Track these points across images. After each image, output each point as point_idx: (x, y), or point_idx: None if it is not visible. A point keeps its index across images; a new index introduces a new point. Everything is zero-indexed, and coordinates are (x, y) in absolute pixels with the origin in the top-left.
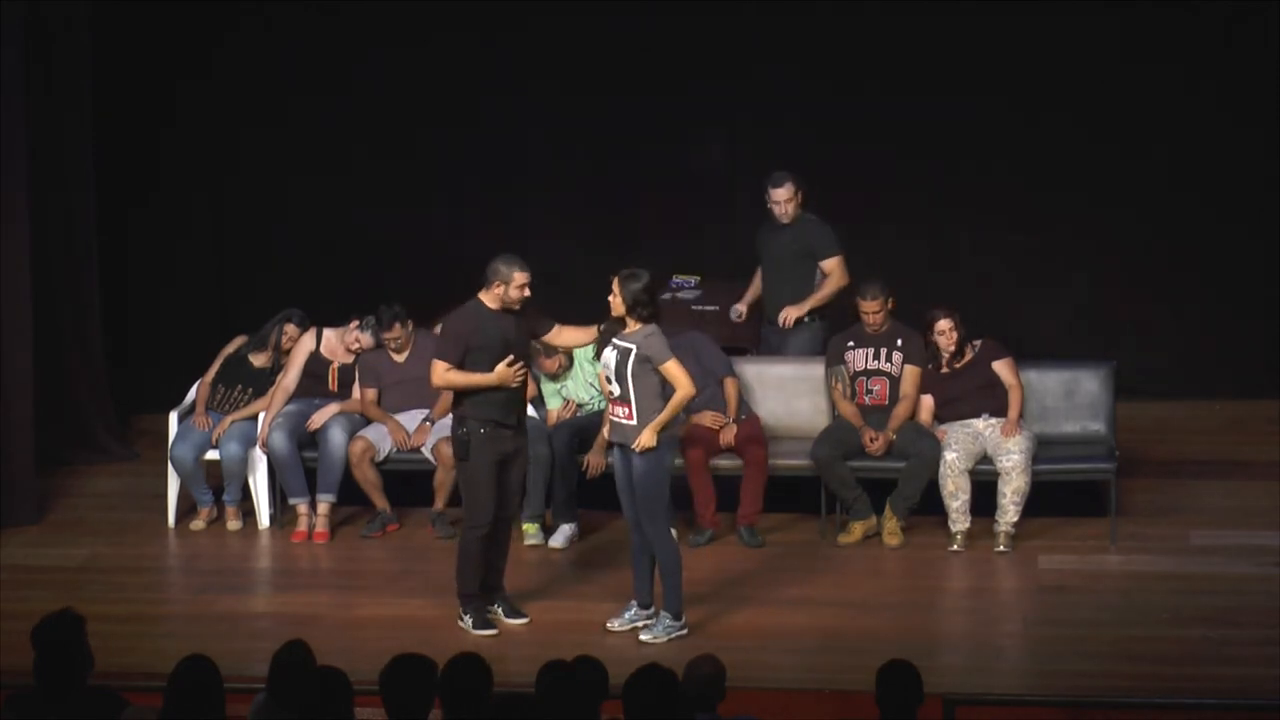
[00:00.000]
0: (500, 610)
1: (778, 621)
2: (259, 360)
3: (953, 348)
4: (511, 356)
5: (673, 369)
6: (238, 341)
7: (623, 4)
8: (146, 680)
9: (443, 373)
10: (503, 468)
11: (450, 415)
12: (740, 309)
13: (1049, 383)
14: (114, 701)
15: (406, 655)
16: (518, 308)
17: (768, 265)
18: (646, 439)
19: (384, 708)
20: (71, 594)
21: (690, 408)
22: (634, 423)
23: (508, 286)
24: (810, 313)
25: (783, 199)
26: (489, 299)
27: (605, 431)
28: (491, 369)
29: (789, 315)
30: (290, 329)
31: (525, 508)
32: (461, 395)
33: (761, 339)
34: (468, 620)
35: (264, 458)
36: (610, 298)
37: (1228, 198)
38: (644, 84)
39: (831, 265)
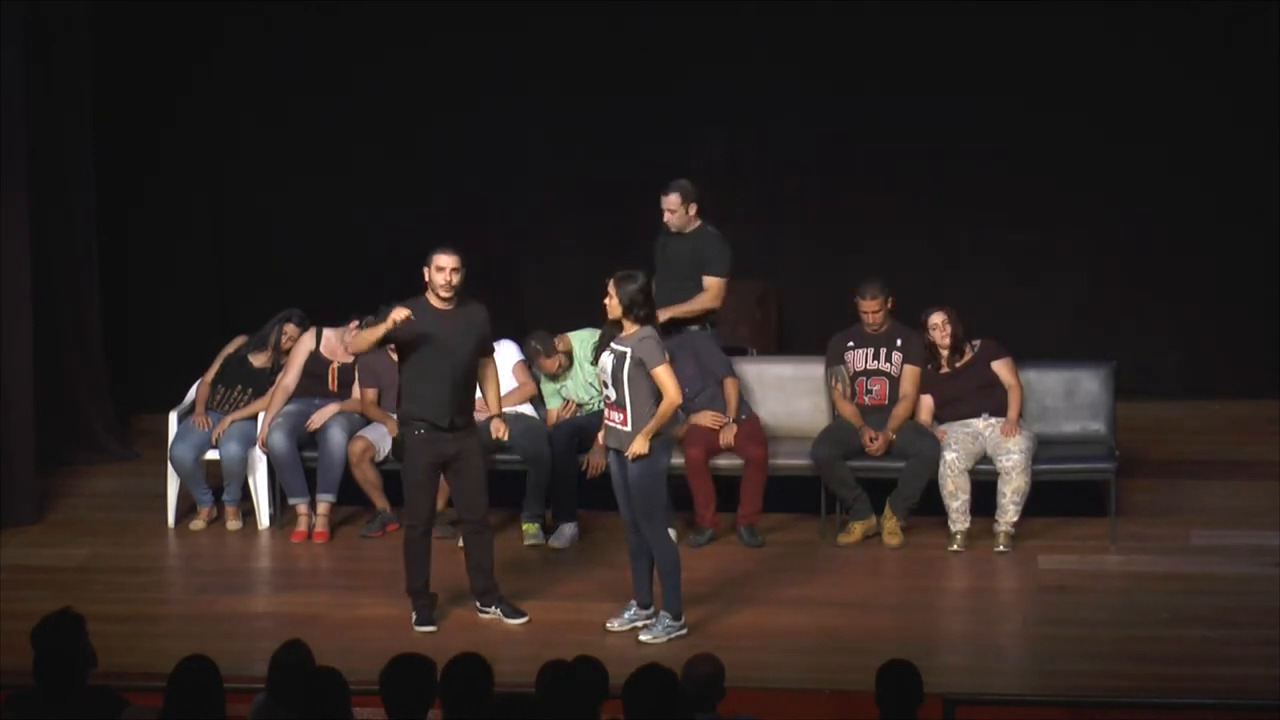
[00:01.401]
0: (499, 611)
1: (778, 621)
2: (259, 360)
3: (948, 341)
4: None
5: (662, 375)
6: (238, 341)
7: (623, 4)
8: (146, 680)
9: (354, 335)
10: (451, 472)
11: None
12: None
13: (1049, 383)
14: (114, 701)
15: (406, 655)
16: (445, 295)
17: (660, 272)
18: (638, 446)
19: (384, 708)
20: (71, 594)
21: (690, 408)
22: (629, 428)
23: (430, 269)
24: (700, 321)
25: (667, 208)
26: (431, 295)
27: (601, 436)
28: (429, 367)
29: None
30: (290, 329)
31: (525, 508)
32: (401, 397)
33: None
34: (413, 615)
35: (264, 458)
36: (606, 300)
37: (1228, 197)
38: (644, 84)
39: (711, 283)
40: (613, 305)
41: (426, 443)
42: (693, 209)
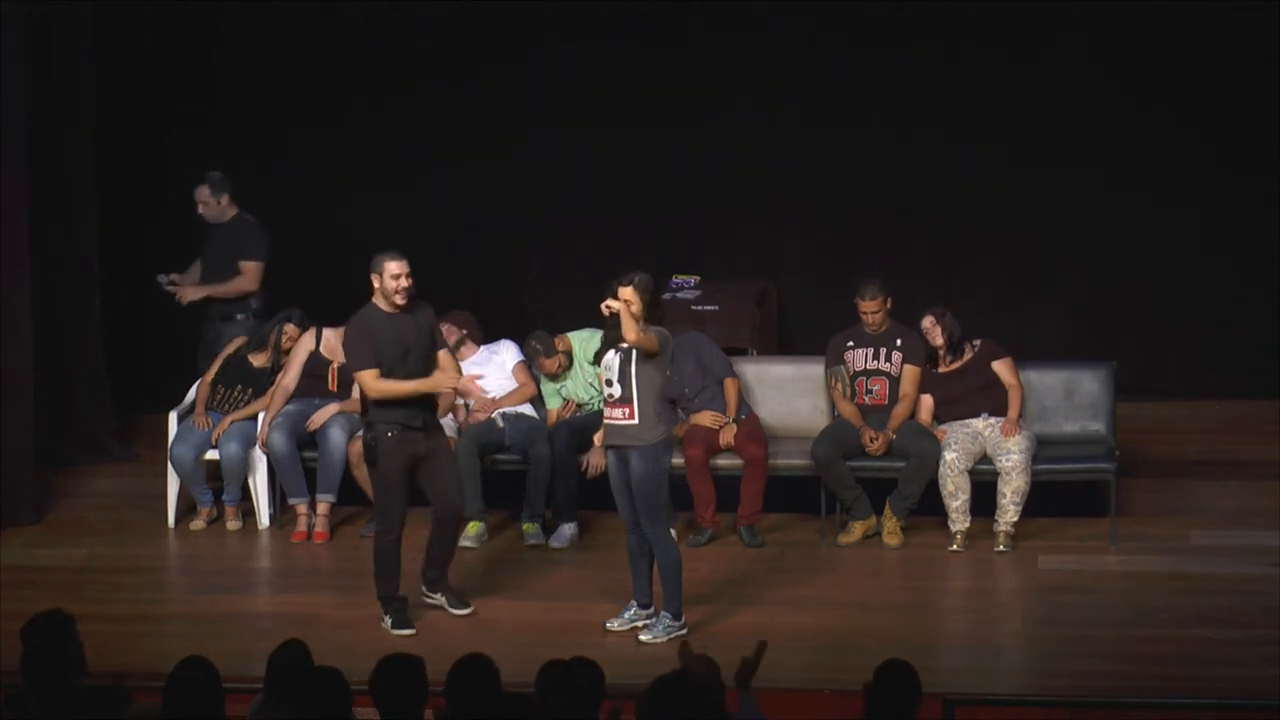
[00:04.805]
0: (445, 600)
1: (778, 621)
2: (259, 360)
3: (940, 341)
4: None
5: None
6: (238, 341)
7: (623, 4)
8: (146, 680)
9: (373, 381)
10: (424, 470)
11: (450, 414)
12: (173, 279)
13: (1049, 383)
14: (114, 701)
15: (394, 655)
16: (401, 301)
17: (205, 262)
18: (632, 334)
19: (376, 709)
20: (71, 594)
21: (690, 408)
22: (635, 422)
23: (382, 277)
24: (244, 309)
25: (199, 200)
26: (380, 301)
27: (598, 438)
28: (393, 371)
29: (185, 294)
30: (290, 329)
31: (525, 507)
32: (366, 403)
33: (201, 335)
34: (387, 620)
35: (264, 458)
36: (608, 302)
37: (1227, 197)
38: (644, 84)
39: (248, 267)
40: (636, 310)
41: (399, 445)
42: (225, 199)
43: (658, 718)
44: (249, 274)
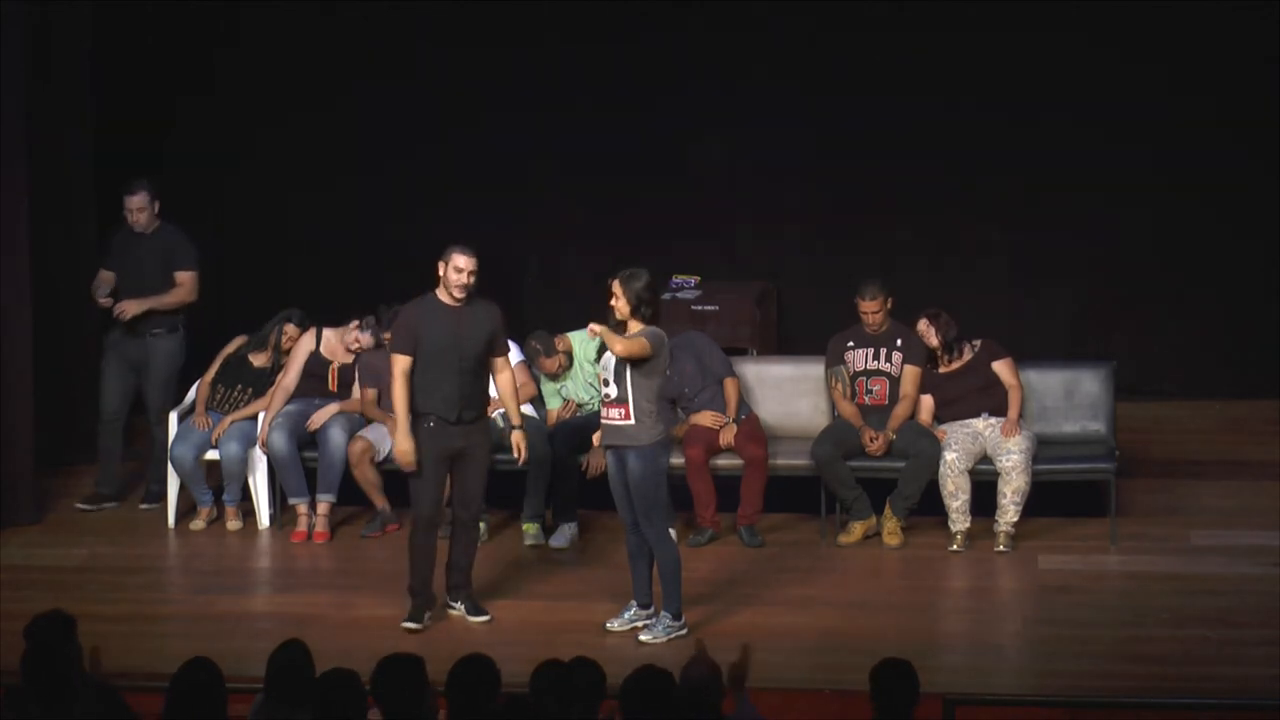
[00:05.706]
0: (464, 608)
1: (778, 621)
2: (259, 360)
3: (935, 342)
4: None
5: (638, 341)
6: (238, 341)
7: (625, 5)
8: (146, 680)
9: (398, 368)
10: (456, 466)
11: None
12: (106, 290)
13: (1049, 383)
14: (113, 700)
15: (395, 655)
16: (459, 295)
17: (129, 272)
18: (606, 333)
19: (379, 708)
20: (71, 594)
21: (690, 407)
22: (631, 422)
23: (446, 267)
24: (171, 323)
25: (135, 207)
26: (441, 292)
27: (597, 438)
28: (437, 362)
29: (126, 309)
30: (290, 329)
31: (525, 508)
32: (414, 392)
33: (106, 345)
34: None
35: (264, 458)
36: (612, 301)
37: (1227, 197)
38: (644, 84)
39: (185, 278)
40: (621, 305)
41: (435, 435)
42: (157, 206)
43: (636, 715)
44: (187, 284)
